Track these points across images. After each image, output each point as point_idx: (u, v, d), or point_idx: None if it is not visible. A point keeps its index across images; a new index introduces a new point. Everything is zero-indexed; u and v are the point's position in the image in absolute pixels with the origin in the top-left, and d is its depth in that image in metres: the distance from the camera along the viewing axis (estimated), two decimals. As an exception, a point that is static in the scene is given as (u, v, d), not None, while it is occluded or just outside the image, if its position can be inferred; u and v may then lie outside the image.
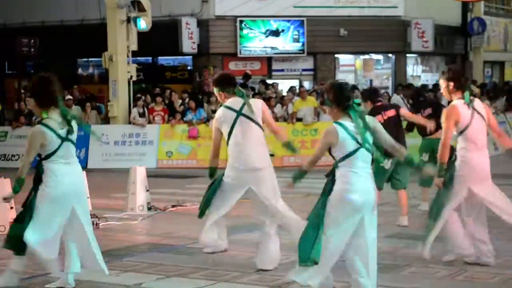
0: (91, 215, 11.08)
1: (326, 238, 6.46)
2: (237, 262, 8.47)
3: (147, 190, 12.60)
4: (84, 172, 11.41)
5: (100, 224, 11.02)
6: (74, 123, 7.41)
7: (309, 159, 6.79)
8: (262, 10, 26.14)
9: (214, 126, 8.52)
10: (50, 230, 7.27)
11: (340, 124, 6.48)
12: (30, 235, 7.21)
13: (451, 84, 8.02)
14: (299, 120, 20.13)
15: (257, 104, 8.33)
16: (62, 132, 7.31)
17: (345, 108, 6.53)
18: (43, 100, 7.40)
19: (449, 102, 8.32)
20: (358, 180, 6.45)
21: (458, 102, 7.95)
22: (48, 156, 7.28)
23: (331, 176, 6.56)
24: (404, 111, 11.42)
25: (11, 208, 10.51)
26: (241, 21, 25.97)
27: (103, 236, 10.29)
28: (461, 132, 7.93)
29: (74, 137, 7.42)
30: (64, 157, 7.33)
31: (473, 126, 7.89)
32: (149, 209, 12.48)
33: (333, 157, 6.60)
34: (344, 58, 28.85)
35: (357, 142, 6.44)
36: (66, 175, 7.31)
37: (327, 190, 6.52)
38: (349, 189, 6.43)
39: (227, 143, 8.36)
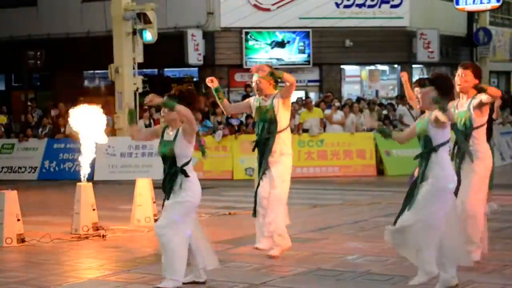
0: (97, 227, 11.21)
1: None
2: (244, 273, 8.45)
3: (154, 202, 12.59)
4: (91, 183, 11.56)
5: (106, 236, 11.02)
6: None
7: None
8: (268, 22, 26.20)
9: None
10: None
11: None
12: None
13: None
14: (305, 131, 20.14)
15: None
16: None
17: None
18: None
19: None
20: None
21: None
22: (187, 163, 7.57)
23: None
24: None
25: (18, 220, 10.53)
26: (246, 33, 26.03)
27: (109, 248, 10.30)
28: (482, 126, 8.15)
29: None
30: None
31: None
32: (156, 220, 12.45)
33: None
34: (350, 69, 28.88)
35: None
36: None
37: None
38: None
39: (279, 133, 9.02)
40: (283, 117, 9.02)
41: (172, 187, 7.50)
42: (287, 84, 8.92)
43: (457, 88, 8.14)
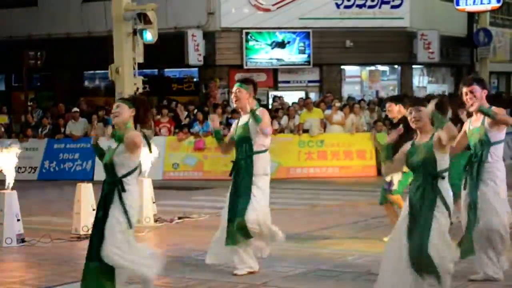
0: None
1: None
2: (244, 274, 8.44)
3: (154, 202, 12.59)
4: (90, 184, 11.57)
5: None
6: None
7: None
8: (268, 22, 26.19)
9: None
10: None
11: None
12: None
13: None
14: (306, 131, 20.14)
15: None
16: None
17: None
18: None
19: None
20: None
21: None
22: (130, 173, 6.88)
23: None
24: None
25: (18, 220, 10.53)
26: (247, 33, 26.01)
27: (109, 248, 10.28)
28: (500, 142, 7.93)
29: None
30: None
31: None
32: (156, 221, 12.48)
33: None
34: (350, 70, 28.86)
35: None
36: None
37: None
38: None
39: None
40: (259, 138, 8.49)
41: (111, 201, 6.75)
42: (263, 131, 8.44)
43: (470, 109, 7.84)
